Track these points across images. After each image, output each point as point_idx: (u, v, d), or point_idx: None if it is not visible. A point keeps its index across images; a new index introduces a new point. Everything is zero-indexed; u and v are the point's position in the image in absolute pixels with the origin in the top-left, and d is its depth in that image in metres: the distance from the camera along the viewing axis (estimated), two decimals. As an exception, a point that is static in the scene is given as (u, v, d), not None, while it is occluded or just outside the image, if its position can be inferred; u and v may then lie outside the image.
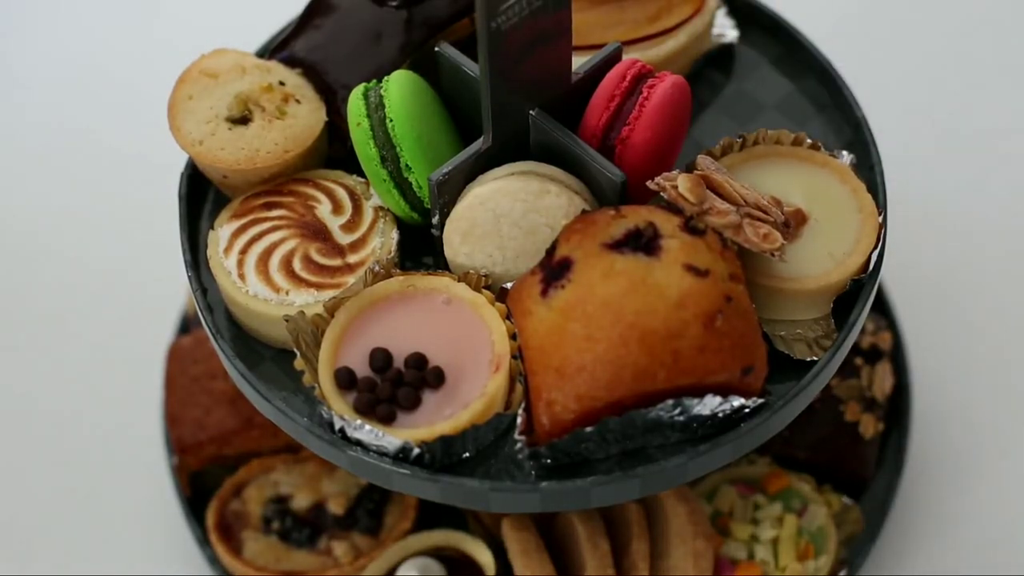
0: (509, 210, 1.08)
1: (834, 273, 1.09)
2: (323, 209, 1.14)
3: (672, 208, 1.06)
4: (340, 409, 1.05)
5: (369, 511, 1.32)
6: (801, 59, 1.27)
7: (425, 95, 1.13)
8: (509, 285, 1.09)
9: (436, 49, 1.14)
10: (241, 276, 1.11)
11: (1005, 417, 1.44)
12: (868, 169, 1.18)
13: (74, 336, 1.53)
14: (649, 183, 1.06)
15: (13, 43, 1.76)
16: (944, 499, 1.40)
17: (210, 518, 1.33)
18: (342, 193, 1.15)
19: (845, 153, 1.15)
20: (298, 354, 1.06)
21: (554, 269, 1.04)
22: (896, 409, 1.40)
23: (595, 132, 1.10)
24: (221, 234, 1.14)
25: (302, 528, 1.32)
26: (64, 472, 1.45)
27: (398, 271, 1.11)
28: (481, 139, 1.09)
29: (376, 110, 1.10)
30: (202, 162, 1.15)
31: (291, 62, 1.18)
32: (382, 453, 1.05)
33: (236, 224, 1.14)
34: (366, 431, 1.03)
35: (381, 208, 1.15)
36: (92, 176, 1.64)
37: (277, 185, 1.16)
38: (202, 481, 1.38)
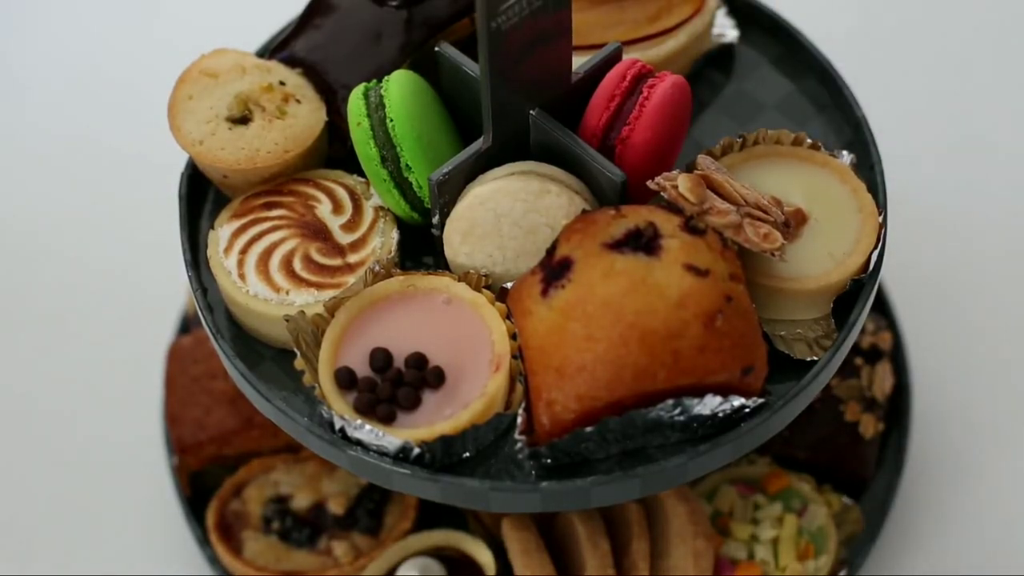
0: (509, 210, 1.08)
1: (834, 273, 1.09)
2: (323, 209, 1.14)
3: (672, 208, 1.06)
4: (340, 409, 1.05)
5: (369, 511, 1.32)
6: (801, 59, 1.27)
7: (425, 95, 1.13)
8: (509, 285, 1.09)
9: (436, 49, 1.14)
10: (241, 276, 1.11)
11: (1005, 417, 1.44)
12: (868, 169, 1.18)
13: (74, 336, 1.53)
14: (649, 183, 1.06)
15: (13, 43, 1.76)
16: (944, 499, 1.40)
17: (210, 518, 1.33)
18: (342, 193, 1.15)
19: (845, 153, 1.15)
20: (298, 354, 1.06)
21: (554, 269, 1.04)
22: (896, 409, 1.40)
23: (595, 132, 1.10)
24: (221, 234, 1.14)
25: (302, 528, 1.32)
26: (64, 472, 1.45)
27: (398, 271, 1.11)
28: (481, 139, 1.09)
29: (376, 110, 1.10)
30: (202, 162, 1.15)
31: (291, 62, 1.18)
32: (382, 453, 1.05)
33: (236, 224, 1.14)
34: (366, 431, 1.03)
35: (381, 208, 1.15)
36: (92, 176, 1.64)
37: (277, 185, 1.16)
38: (202, 481, 1.38)
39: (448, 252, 1.11)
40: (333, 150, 1.19)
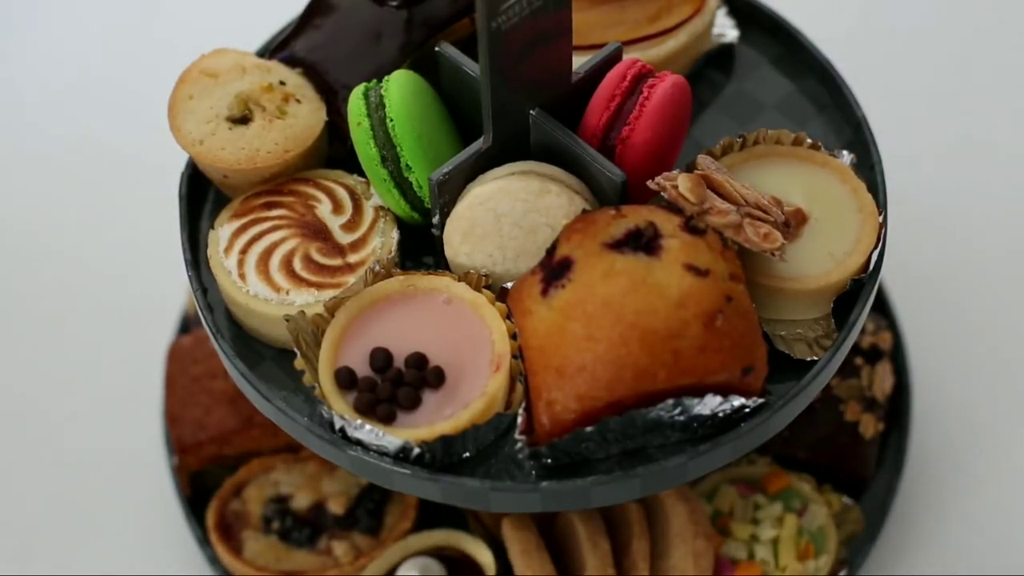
0: (509, 210, 1.08)
1: (834, 273, 1.09)
2: (323, 209, 1.14)
3: (672, 208, 1.06)
4: (340, 409, 1.05)
5: (369, 511, 1.32)
6: (801, 59, 1.27)
7: (425, 95, 1.13)
8: (509, 285, 1.09)
9: (436, 49, 1.14)
10: (241, 276, 1.11)
11: (1005, 417, 1.44)
12: (868, 169, 1.18)
13: (74, 336, 1.53)
14: (649, 183, 1.06)
15: (13, 43, 1.76)
16: (944, 499, 1.40)
17: (210, 518, 1.33)
18: (342, 193, 1.15)
19: (845, 153, 1.15)
20: (298, 354, 1.06)
21: (554, 269, 1.04)
22: (896, 409, 1.40)
23: (595, 132, 1.10)
24: (221, 234, 1.14)
25: (302, 528, 1.32)
26: (64, 472, 1.45)
27: (398, 271, 1.11)
28: (481, 139, 1.09)
29: (376, 110, 1.10)
30: (202, 162, 1.15)
31: (291, 62, 1.18)
32: (382, 453, 1.05)
33: (236, 224, 1.14)
34: (366, 431, 1.03)
35: (381, 208, 1.15)
36: (92, 176, 1.64)
37: (277, 185, 1.16)
38: (202, 481, 1.38)
39: (448, 252, 1.11)
40: (333, 150, 1.19)
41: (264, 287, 1.11)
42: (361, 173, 1.16)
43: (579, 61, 1.12)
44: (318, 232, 1.13)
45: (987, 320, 1.50)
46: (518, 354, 1.06)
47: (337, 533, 1.32)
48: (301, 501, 1.33)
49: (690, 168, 1.09)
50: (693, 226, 1.04)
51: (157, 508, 1.42)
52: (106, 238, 1.59)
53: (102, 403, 1.48)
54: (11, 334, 1.54)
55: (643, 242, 1.03)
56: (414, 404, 1.05)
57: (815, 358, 1.09)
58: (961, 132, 1.62)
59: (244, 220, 1.14)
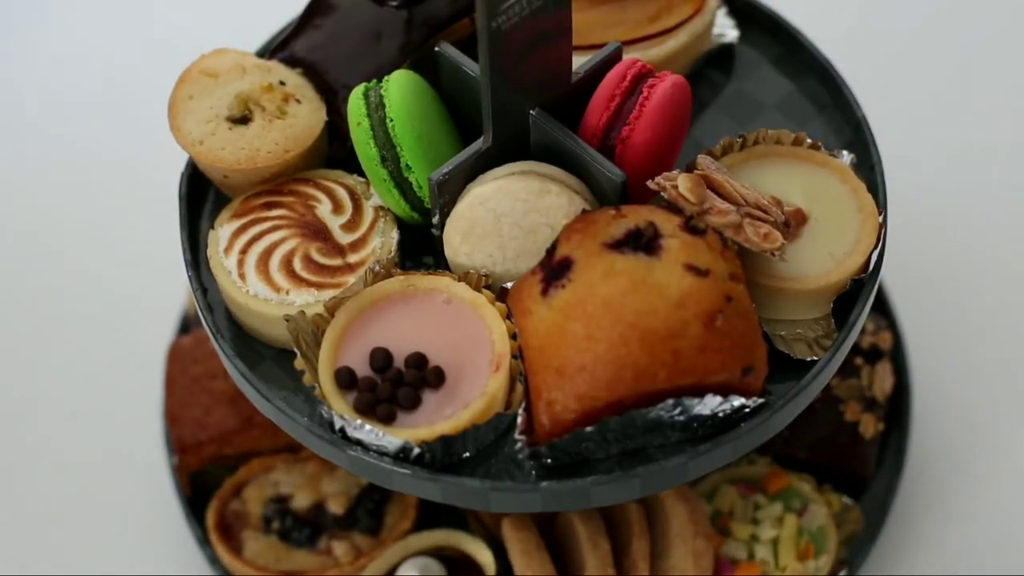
0: (509, 210, 1.08)
1: (834, 273, 1.09)
2: (323, 209, 1.14)
3: (672, 208, 1.06)
4: (340, 409, 1.05)
5: (369, 511, 1.32)
6: (801, 59, 1.27)
7: (425, 95, 1.13)
8: (509, 285, 1.09)
9: (436, 49, 1.14)
10: (241, 276, 1.11)
11: (1005, 417, 1.44)
12: (868, 169, 1.18)
13: (74, 336, 1.53)
14: (649, 183, 1.06)
15: (13, 42, 1.75)
16: (944, 499, 1.40)
17: (210, 518, 1.33)
18: (342, 193, 1.15)
19: (845, 153, 1.15)
20: (298, 354, 1.06)
21: (554, 269, 1.04)
22: (896, 409, 1.40)
23: (595, 132, 1.10)
24: (221, 234, 1.14)
25: (302, 528, 1.32)
26: (64, 472, 1.45)
27: (398, 271, 1.11)
28: (481, 139, 1.09)
29: (376, 110, 1.10)
30: (202, 162, 1.15)
31: (291, 62, 1.18)
32: (382, 453, 1.05)
33: (236, 224, 1.14)
34: (366, 431, 1.03)
35: (381, 208, 1.15)
36: (92, 176, 1.64)
37: (277, 185, 1.16)
38: (202, 481, 1.38)
39: (448, 252, 1.11)
40: (333, 150, 1.19)
41: (264, 287, 1.11)
42: (361, 173, 1.16)
43: (579, 61, 1.12)
44: (318, 232, 1.13)
45: (987, 320, 1.50)
46: (518, 354, 1.06)
47: (337, 533, 1.32)
48: (301, 501, 1.33)
49: (690, 168, 1.09)
50: (693, 226, 1.04)
51: (157, 508, 1.42)
52: (106, 238, 1.59)
53: (102, 403, 1.48)
54: (11, 334, 1.54)
55: (643, 242, 1.03)
56: (414, 404, 1.05)
57: (815, 358, 1.09)
58: (961, 132, 1.62)
59: (244, 220, 1.14)
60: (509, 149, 1.10)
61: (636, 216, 1.04)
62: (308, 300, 1.10)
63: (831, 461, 1.33)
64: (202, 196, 1.21)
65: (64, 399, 1.49)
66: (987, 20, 1.71)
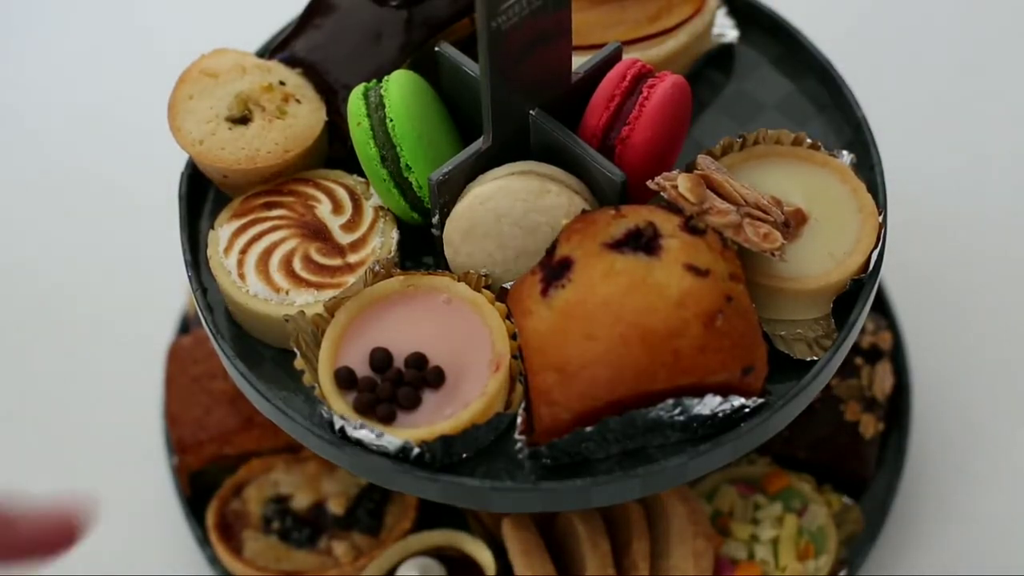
0: (509, 210, 1.08)
1: (834, 273, 1.09)
2: (323, 209, 1.14)
3: (672, 208, 1.06)
4: (340, 409, 1.05)
5: (369, 511, 1.32)
6: (801, 59, 1.27)
7: (425, 95, 1.13)
8: (509, 285, 1.09)
9: (436, 49, 1.14)
10: (241, 276, 1.12)
11: (1005, 417, 1.44)
12: (868, 169, 1.18)
13: (74, 336, 1.53)
14: (649, 183, 1.06)
15: (12, 43, 1.75)
16: (944, 499, 1.40)
17: (210, 518, 1.33)
18: (342, 193, 1.15)
19: (845, 153, 1.15)
20: (298, 354, 1.06)
21: (554, 269, 1.04)
22: (896, 409, 1.40)
23: (595, 132, 1.10)
24: (221, 234, 1.14)
25: (302, 528, 1.32)
26: (64, 472, 1.45)
27: (398, 271, 1.11)
28: (481, 139, 1.09)
29: (376, 110, 1.10)
30: (202, 162, 1.15)
31: (291, 62, 1.18)
32: (382, 453, 1.05)
33: (236, 224, 1.14)
34: (366, 431, 1.03)
35: (381, 208, 1.15)
36: (92, 176, 1.64)
37: (277, 185, 1.16)
38: (202, 481, 1.38)
39: (448, 252, 1.11)
40: (333, 150, 1.19)
41: (264, 287, 1.11)
42: (361, 173, 1.16)
43: (579, 61, 1.12)
44: (318, 232, 1.13)
45: (987, 320, 1.50)
46: (518, 354, 1.06)
47: (337, 533, 1.32)
48: (301, 501, 1.33)
49: (690, 168, 1.09)
50: (693, 226, 1.04)
51: (157, 508, 1.42)
52: (106, 237, 1.59)
53: (102, 403, 1.48)
54: (11, 334, 1.54)
55: (643, 242, 1.03)
56: (414, 404, 1.05)
57: (815, 358, 1.09)
58: (961, 132, 1.62)
59: (244, 220, 1.14)
60: (509, 149, 1.10)
61: (636, 216, 1.04)
62: (308, 300, 1.10)
63: (831, 461, 1.33)
64: (202, 196, 1.21)
65: (64, 399, 1.49)
66: (987, 20, 1.71)
